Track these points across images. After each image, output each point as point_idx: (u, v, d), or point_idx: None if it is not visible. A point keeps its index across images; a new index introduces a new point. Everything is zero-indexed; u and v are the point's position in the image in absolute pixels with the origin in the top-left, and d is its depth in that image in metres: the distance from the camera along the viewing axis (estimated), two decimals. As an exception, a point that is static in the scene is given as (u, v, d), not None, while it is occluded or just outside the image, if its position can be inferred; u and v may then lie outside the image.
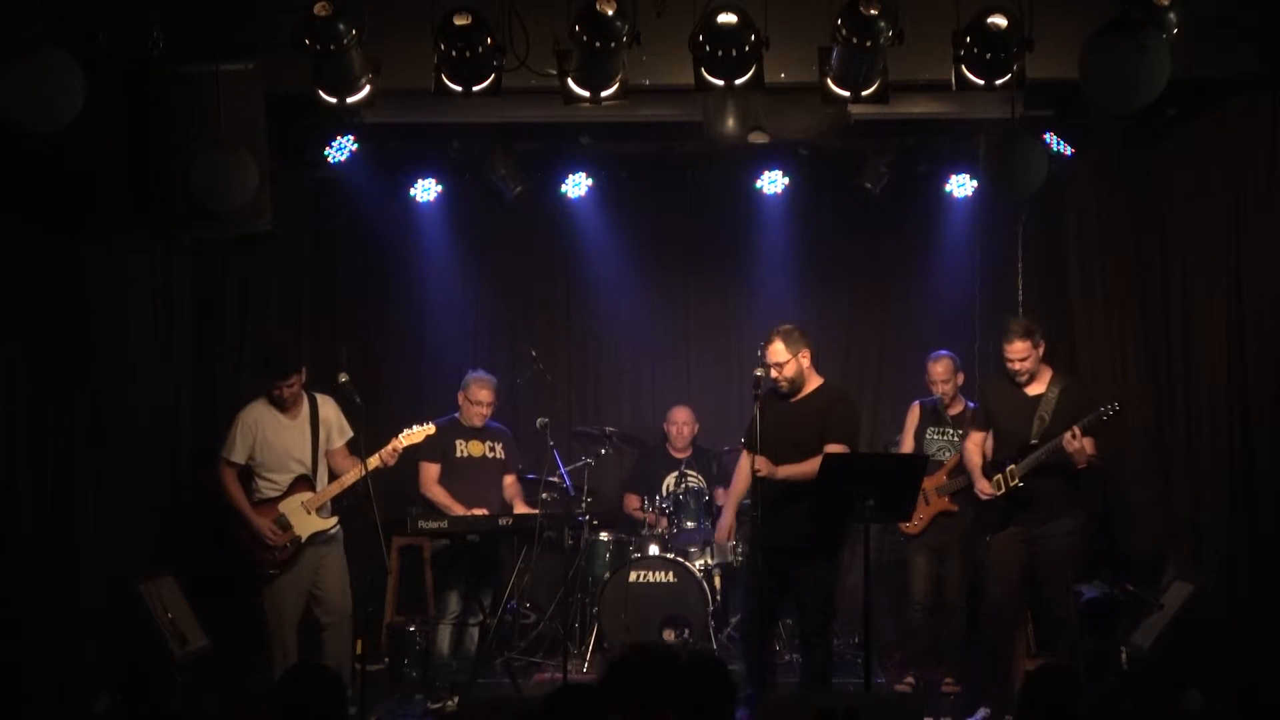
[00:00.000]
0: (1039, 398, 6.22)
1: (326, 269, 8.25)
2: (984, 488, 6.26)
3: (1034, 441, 6.13)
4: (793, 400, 6.13)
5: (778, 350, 6.06)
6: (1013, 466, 6.17)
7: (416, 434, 6.62)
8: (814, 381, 6.17)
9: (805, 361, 6.11)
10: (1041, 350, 6.27)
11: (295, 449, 6.44)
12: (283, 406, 6.44)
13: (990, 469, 6.29)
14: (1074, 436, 5.94)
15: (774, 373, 6.06)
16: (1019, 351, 6.19)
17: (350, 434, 6.51)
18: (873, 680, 5.97)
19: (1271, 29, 5.90)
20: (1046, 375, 6.30)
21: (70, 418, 6.08)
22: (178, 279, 6.87)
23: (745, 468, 6.31)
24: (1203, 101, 6.44)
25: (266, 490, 6.42)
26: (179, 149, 5.46)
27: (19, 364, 5.92)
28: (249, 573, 6.63)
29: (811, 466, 5.83)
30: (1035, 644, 6.50)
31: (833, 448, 5.94)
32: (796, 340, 6.08)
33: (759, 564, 6.06)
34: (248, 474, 6.45)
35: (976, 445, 6.42)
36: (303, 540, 6.36)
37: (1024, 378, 6.25)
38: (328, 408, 6.51)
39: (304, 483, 6.43)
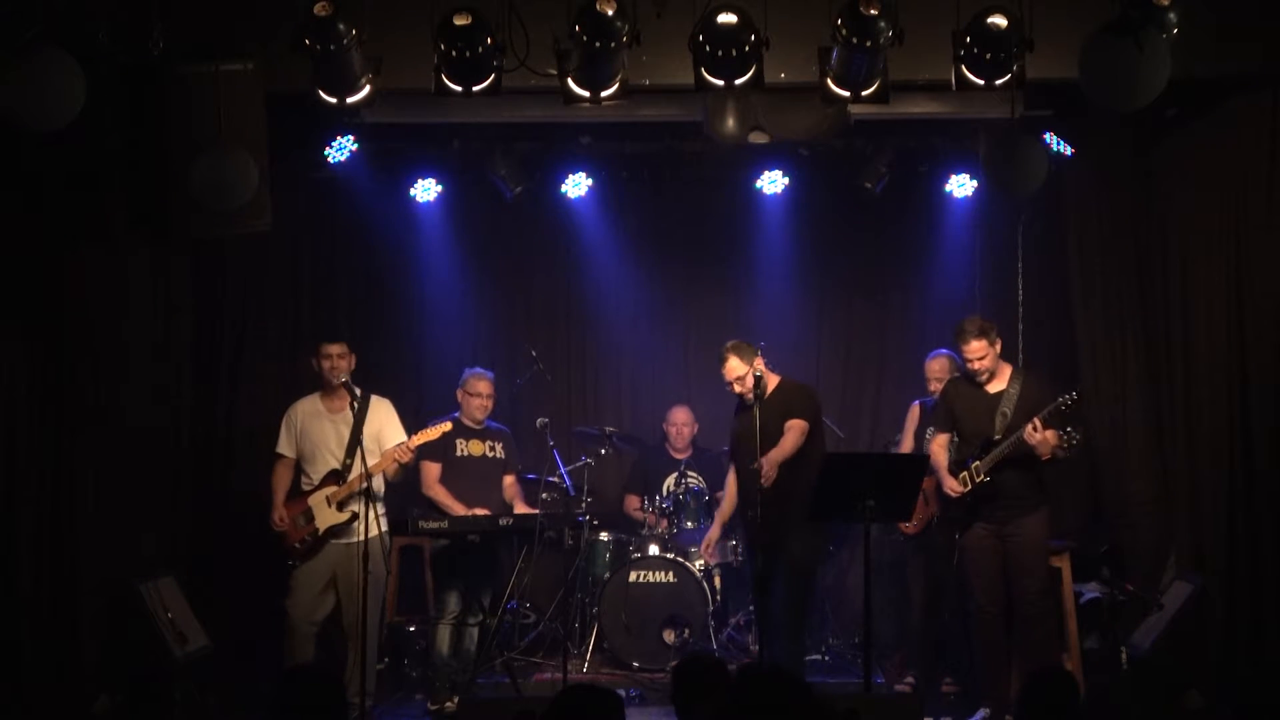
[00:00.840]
0: (1000, 394, 6.27)
1: (326, 269, 8.24)
2: (952, 485, 6.28)
3: (997, 437, 6.16)
4: (762, 403, 6.27)
5: (734, 366, 6.37)
6: (977, 463, 6.19)
7: (432, 431, 6.60)
8: (773, 380, 6.44)
9: (760, 367, 6.36)
10: (998, 348, 6.32)
11: (330, 441, 6.46)
12: (329, 390, 6.47)
13: (955, 467, 6.32)
14: (1035, 429, 5.96)
15: (737, 387, 6.36)
16: (976, 351, 6.24)
17: (403, 437, 6.52)
18: (873, 680, 5.97)
19: (1271, 29, 5.90)
20: (1006, 372, 6.34)
21: (70, 418, 6.09)
22: (178, 279, 6.87)
23: (733, 486, 6.65)
24: (1203, 101, 6.43)
25: (304, 483, 6.49)
26: (179, 149, 5.47)
27: (19, 364, 5.93)
28: (248, 572, 6.62)
29: (790, 440, 6.23)
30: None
31: (794, 423, 6.28)
32: (747, 352, 6.39)
33: (758, 564, 6.14)
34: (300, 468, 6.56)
35: (941, 446, 6.45)
36: (320, 533, 6.37)
37: (984, 376, 6.30)
38: (381, 408, 6.57)
39: (334, 477, 6.44)
